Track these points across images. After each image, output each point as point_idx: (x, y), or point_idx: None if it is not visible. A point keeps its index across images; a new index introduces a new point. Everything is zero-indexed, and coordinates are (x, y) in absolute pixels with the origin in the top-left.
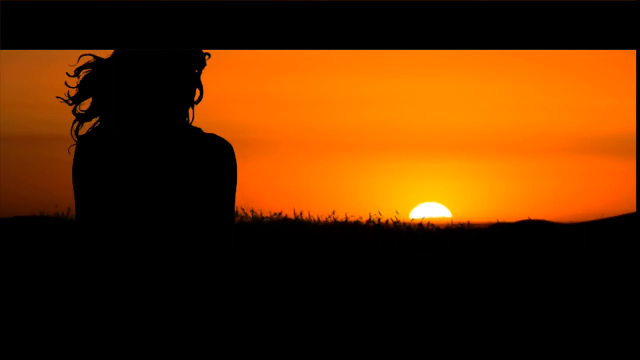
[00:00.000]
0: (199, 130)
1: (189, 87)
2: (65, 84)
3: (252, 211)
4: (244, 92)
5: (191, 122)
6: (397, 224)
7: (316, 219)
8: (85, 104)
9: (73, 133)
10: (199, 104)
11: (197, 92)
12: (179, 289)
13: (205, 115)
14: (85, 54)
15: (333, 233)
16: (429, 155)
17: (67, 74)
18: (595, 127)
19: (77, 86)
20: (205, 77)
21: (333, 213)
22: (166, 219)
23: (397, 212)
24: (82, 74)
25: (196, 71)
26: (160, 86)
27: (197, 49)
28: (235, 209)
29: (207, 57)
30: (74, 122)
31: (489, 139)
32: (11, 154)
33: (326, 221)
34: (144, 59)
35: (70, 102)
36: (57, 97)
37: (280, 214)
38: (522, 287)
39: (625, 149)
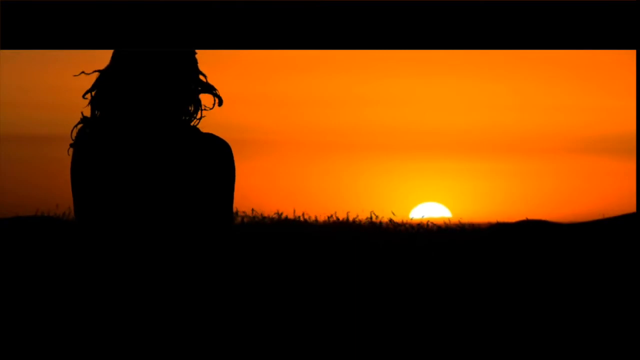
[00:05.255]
0: (196, 129)
1: (187, 88)
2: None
3: (253, 210)
4: (244, 92)
5: (198, 121)
6: (396, 224)
7: (316, 219)
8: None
9: (73, 134)
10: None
11: (216, 100)
12: (178, 288)
13: (206, 115)
14: (95, 71)
15: (333, 233)
16: (429, 155)
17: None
18: (595, 127)
19: (90, 102)
20: (206, 77)
21: (334, 213)
22: (164, 218)
23: (402, 213)
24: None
25: (197, 74)
26: (158, 87)
27: (190, 53)
28: (235, 209)
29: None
30: (78, 124)
31: (489, 139)
32: (11, 154)
33: (326, 221)
34: (141, 60)
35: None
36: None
37: (280, 214)
38: (522, 287)
39: (625, 149)
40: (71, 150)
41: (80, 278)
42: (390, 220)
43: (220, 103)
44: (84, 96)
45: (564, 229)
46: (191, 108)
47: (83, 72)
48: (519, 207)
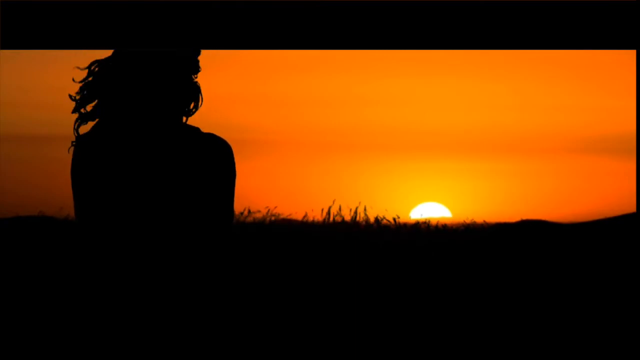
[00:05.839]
0: (197, 129)
1: (186, 88)
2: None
3: (250, 211)
4: (244, 92)
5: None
6: (397, 224)
7: (316, 219)
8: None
9: (75, 131)
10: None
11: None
12: (178, 288)
13: (206, 115)
14: (94, 61)
15: (333, 233)
16: (429, 155)
17: (73, 79)
18: (595, 127)
19: (81, 89)
20: (206, 77)
21: (334, 213)
22: (164, 218)
23: (402, 213)
24: (86, 74)
25: (193, 76)
26: (159, 87)
27: (193, 54)
28: (235, 209)
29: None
30: (77, 120)
31: (489, 139)
32: (11, 154)
33: (326, 221)
34: (142, 60)
35: (78, 105)
36: (70, 95)
37: (280, 214)
38: (522, 287)
39: (625, 149)
40: (71, 149)
41: (80, 278)
42: (393, 219)
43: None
44: (79, 82)
45: (564, 229)
46: (192, 105)
47: (77, 67)
48: (518, 207)
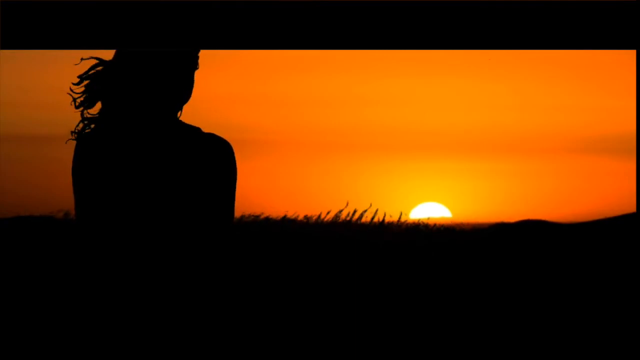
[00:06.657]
0: (198, 129)
1: (185, 87)
2: (71, 89)
3: (249, 215)
4: (244, 92)
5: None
6: (397, 224)
7: (316, 219)
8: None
9: (77, 134)
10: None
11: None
12: (178, 288)
13: (206, 115)
14: (89, 57)
15: (333, 233)
16: (429, 155)
17: (73, 83)
18: (595, 127)
19: (85, 91)
20: (206, 77)
21: (334, 213)
22: (165, 218)
23: (402, 213)
24: (89, 77)
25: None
26: (160, 86)
27: (192, 50)
28: (235, 209)
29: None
30: (80, 123)
31: (489, 139)
32: (11, 154)
33: (326, 221)
34: (143, 60)
35: (81, 107)
36: (68, 93)
37: (279, 213)
38: (522, 287)
39: (625, 149)
40: (70, 143)
41: (80, 278)
42: (391, 220)
43: None
44: (79, 77)
45: (564, 229)
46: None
47: (82, 58)
48: (519, 207)
